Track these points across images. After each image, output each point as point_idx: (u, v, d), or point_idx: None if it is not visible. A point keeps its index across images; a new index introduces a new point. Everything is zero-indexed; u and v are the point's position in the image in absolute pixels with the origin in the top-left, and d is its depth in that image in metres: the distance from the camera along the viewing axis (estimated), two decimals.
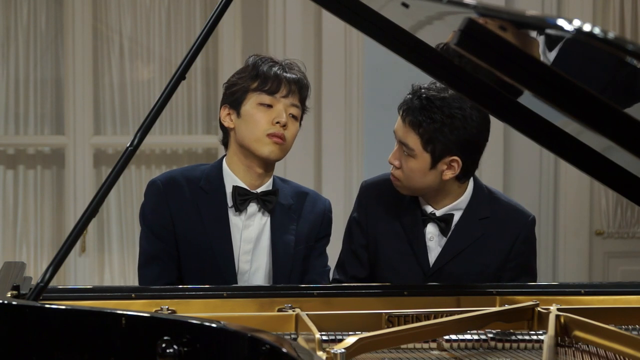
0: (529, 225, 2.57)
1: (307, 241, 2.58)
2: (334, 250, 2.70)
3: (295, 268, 2.55)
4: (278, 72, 2.50)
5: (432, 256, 2.54)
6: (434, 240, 2.55)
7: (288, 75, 2.51)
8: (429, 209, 2.56)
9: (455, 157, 2.47)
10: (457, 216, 2.55)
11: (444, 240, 2.54)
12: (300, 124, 2.59)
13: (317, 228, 2.61)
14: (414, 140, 2.46)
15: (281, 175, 2.77)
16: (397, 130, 2.52)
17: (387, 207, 2.60)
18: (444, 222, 2.53)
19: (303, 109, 2.56)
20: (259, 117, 2.49)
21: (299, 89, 2.52)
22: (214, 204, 2.52)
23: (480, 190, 2.58)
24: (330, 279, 2.68)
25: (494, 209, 2.56)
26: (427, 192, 2.53)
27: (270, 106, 2.49)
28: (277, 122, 2.47)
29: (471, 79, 1.81)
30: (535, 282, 2.58)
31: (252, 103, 2.50)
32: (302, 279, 2.57)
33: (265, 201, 2.53)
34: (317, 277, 2.59)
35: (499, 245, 2.54)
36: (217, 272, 2.49)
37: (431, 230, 2.55)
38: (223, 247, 2.50)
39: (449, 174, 2.49)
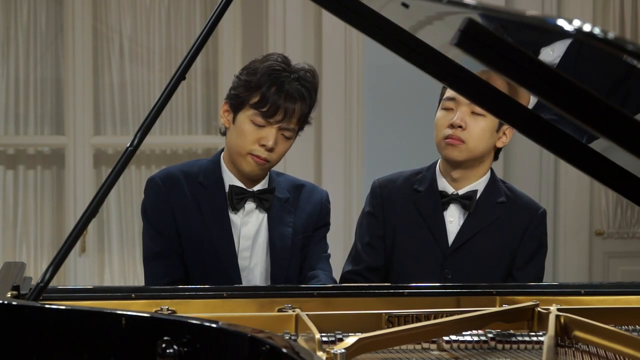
0: (541, 215, 2.67)
1: (305, 232, 2.58)
2: (334, 244, 2.70)
3: (293, 259, 2.55)
4: (280, 98, 2.43)
5: (452, 238, 2.61)
6: (453, 223, 2.61)
7: (289, 104, 2.44)
8: (450, 190, 2.62)
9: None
10: (477, 193, 2.64)
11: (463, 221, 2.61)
12: (302, 128, 2.55)
13: (315, 218, 2.61)
14: None
15: None
16: None
17: (403, 196, 2.65)
18: (467, 199, 2.61)
19: (301, 125, 2.52)
20: (247, 133, 2.46)
21: (301, 110, 2.47)
22: (213, 200, 2.52)
23: (496, 178, 2.69)
24: (342, 271, 2.70)
25: (509, 195, 2.67)
26: (477, 159, 2.60)
27: (262, 127, 2.46)
28: (263, 145, 2.46)
29: (471, 79, 1.81)
30: (542, 272, 2.66)
31: (246, 117, 2.47)
32: (301, 267, 2.58)
33: (262, 199, 2.53)
34: (316, 262, 2.58)
35: (513, 229, 2.62)
36: (219, 266, 2.50)
37: (453, 212, 2.62)
38: (224, 242, 2.50)
39: (501, 143, 2.63)
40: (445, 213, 2.62)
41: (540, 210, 2.66)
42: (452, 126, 2.56)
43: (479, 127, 2.56)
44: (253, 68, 2.48)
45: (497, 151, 2.67)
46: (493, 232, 2.60)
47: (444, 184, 2.64)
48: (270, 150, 2.46)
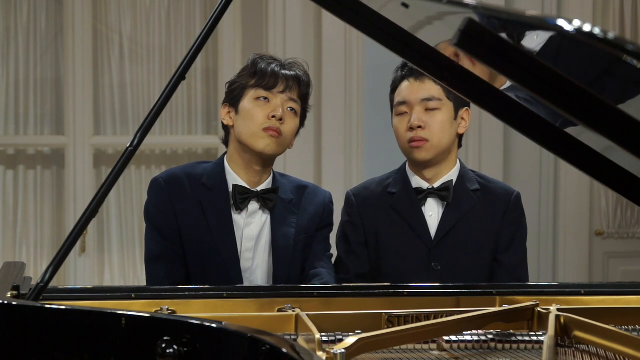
0: (516, 198, 2.70)
1: (307, 232, 2.58)
2: (334, 245, 2.70)
3: (295, 260, 2.55)
4: (276, 69, 2.53)
5: (434, 231, 2.62)
6: (433, 216, 2.63)
7: (286, 71, 2.53)
8: (425, 185, 2.64)
9: (467, 108, 2.65)
10: (452, 182, 2.66)
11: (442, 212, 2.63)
12: (303, 123, 2.60)
13: (318, 219, 2.62)
14: (438, 91, 2.59)
15: None
16: (413, 94, 2.59)
17: (379, 201, 2.66)
18: (444, 191, 2.63)
19: (304, 106, 2.57)
20: (255, 112, 2.50)
21: (298, 85, 2.54)
22: (216, 201, 2.52)
23: (465, 167, 2.72)
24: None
25: (482, 182, 2.70)
26: (445, 152, 2.62)
27: (267, 101, 2.51)
28: (273, 117, 2.48)
29: (471, 79, 1.81)
30: (525, 253, 2.69)
31: (249, 98, 2.52)
32: (304, 267, 2.58)
33: (266, 199, 2.54)
34: (318, 262, 2.58)
35: (492, 214, 2.65)
36: (222, 268, 2.49)
37: (431, 205, 2.64)
38: (227, 243, 2.50)
39: (462, 128, 2.65)
40: (424, 208, 2.63)
41: (515, 194, 2.69)
42: (411, 128, 2.59)
43: (437, 122, 2.59)
44: (243, 67, 2.60)
45: (460, 138, 2.69)
46: (473, 219, 2.63)
47: (417, 181, 2.66)
48: (280, 120, 2.49)
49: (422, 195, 2.63)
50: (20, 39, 4.92)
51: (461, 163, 2.71)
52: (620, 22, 4.99)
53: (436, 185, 2.64)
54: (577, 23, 1.26)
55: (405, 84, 2.62)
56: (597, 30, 1.25)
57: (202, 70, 4.99)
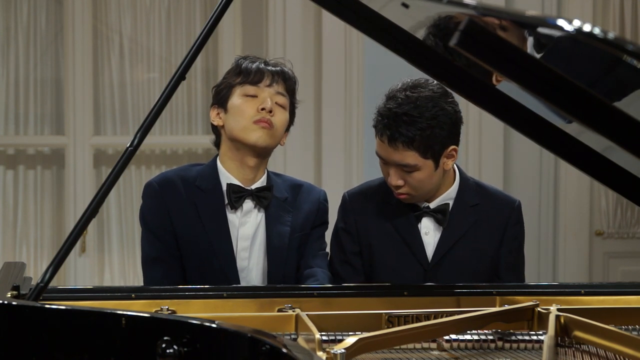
0: (518, 209, 2.63)
1: (302, 230, 2.58)
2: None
3: (290, 258, 2.55)
4: (260, 65, 2.56)
5: (430, 250, 2.56)
6: (429, 234, 2.57)
7: (271, 67, 2.56)
8: (422, 203, 2.58)
9: (452, 146, 2.51)
10: (449, 206, 2.58)
11: (439, 233, 2.56)
12: (292, 120, 2.60)
13: (313, 217, 2.62)
14: (413, 157, 2.46)
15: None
16: (388, 155, 2.48)
17: (376, 211, 2.61)
18: (440, 214, 2.56)
19: (292, 101, 2.58)
20: (244, 107, 2.52)
21: (284, 79, 2.56)
22: (210, 202, 2.53)
23: (466, 179, 2.63)
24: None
25: (482, 195, 2.61)
26: (434, 189, 2.54)
27: (255, 96, 2.52)
28: (263, 109, 2.50)
29: (471, 79, 1.81)
30: (524, 266, 2.64)
31: (237, 96, 2.54)
32: (299, 265, 2.58)
33: (261, 197, 2.54)
34: (313, 260, 2.58)
35: (492, 230, 2.58)
36: (218, 269, 2.50)
37: (427, 224, 2.57)
38: (223, 245, 2.50)
39: (450, 163, 2.53)
40: (420, 225, 2.56)
41: (517, 204, 2.62)
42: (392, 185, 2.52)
43: (416, 180, 2.48)
44: (227, 70, 2.62)
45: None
46: (472, 237, 2.56)
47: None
48: (270, 112, 2.50)
49: (419, 212, 2.56)
50: (20, 39, 4.92)
51: (460, 173, 2.61)
52: (620, 22, 5.00)
53: (432, 205, 2.56)
54: (577, 23, 1.26)
55: (378, 141, 2.50)
56: (597, 30, 1.25)
57: (202, 70, 4.99)
